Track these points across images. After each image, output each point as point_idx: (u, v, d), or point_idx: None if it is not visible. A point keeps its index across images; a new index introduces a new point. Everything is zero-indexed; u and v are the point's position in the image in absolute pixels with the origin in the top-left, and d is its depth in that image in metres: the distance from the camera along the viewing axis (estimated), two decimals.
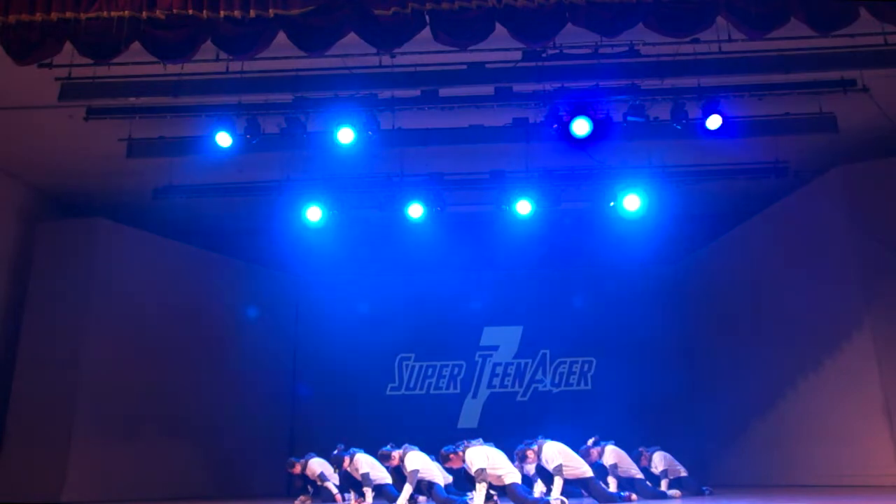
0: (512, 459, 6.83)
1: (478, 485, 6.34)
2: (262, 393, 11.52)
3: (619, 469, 7.72)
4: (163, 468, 9.75)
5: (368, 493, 7.60)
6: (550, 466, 6.83)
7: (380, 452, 7.27)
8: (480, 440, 6.76)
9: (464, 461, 6.57)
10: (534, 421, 10.90)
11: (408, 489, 6.79)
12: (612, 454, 7.78)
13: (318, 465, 8.44)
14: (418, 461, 7.04)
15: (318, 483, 8.36)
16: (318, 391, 11.92)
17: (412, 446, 7.21)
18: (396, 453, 7.11)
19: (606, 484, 7.51)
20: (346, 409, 11.48)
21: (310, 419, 11.78)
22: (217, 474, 10.53)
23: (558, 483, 6.71)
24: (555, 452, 6.91)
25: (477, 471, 6.35)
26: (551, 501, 6.40)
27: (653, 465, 8.08)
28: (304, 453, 8.72)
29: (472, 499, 6.52)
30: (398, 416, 11.73)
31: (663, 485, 7.93)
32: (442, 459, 6.82)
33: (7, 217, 9.86)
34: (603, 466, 7.73)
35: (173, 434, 10.02)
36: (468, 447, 6.60)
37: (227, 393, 10.84)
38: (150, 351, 9.95)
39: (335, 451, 7.93)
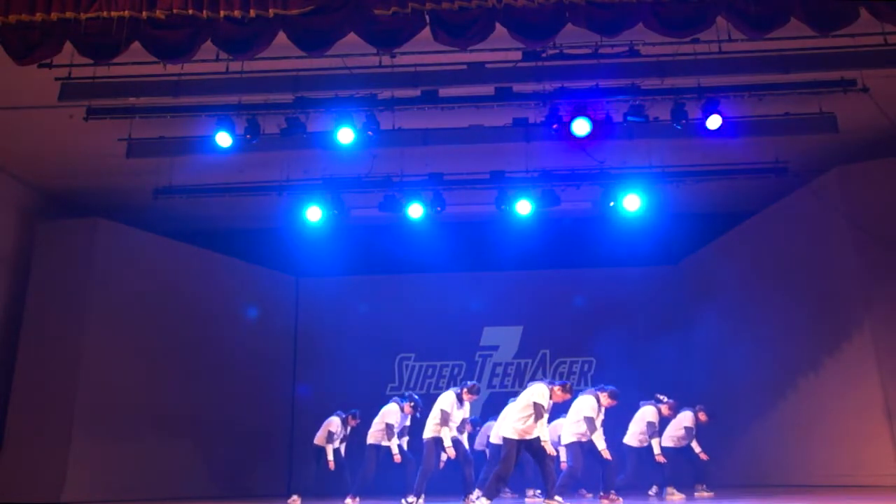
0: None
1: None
2: (262, 393, 11.52)
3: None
4: (163, 468, 9.75)
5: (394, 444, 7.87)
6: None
7: (470, 384, 7.31)
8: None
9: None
10: None
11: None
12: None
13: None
14: None
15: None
16: (318, 391, 11.90)
17: None
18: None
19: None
20: (346, 409, 11.41)
21: (310, 419, 11.74)
22: (217, 474, 10.53)
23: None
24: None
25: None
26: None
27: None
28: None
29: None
30: None
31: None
32: None
33: (7, 216, 9.86)
34: None
35: (173, 434, 10.01)
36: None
37: (227, 393, 10.83)
38: (150, 351, 9.95)
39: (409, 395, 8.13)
